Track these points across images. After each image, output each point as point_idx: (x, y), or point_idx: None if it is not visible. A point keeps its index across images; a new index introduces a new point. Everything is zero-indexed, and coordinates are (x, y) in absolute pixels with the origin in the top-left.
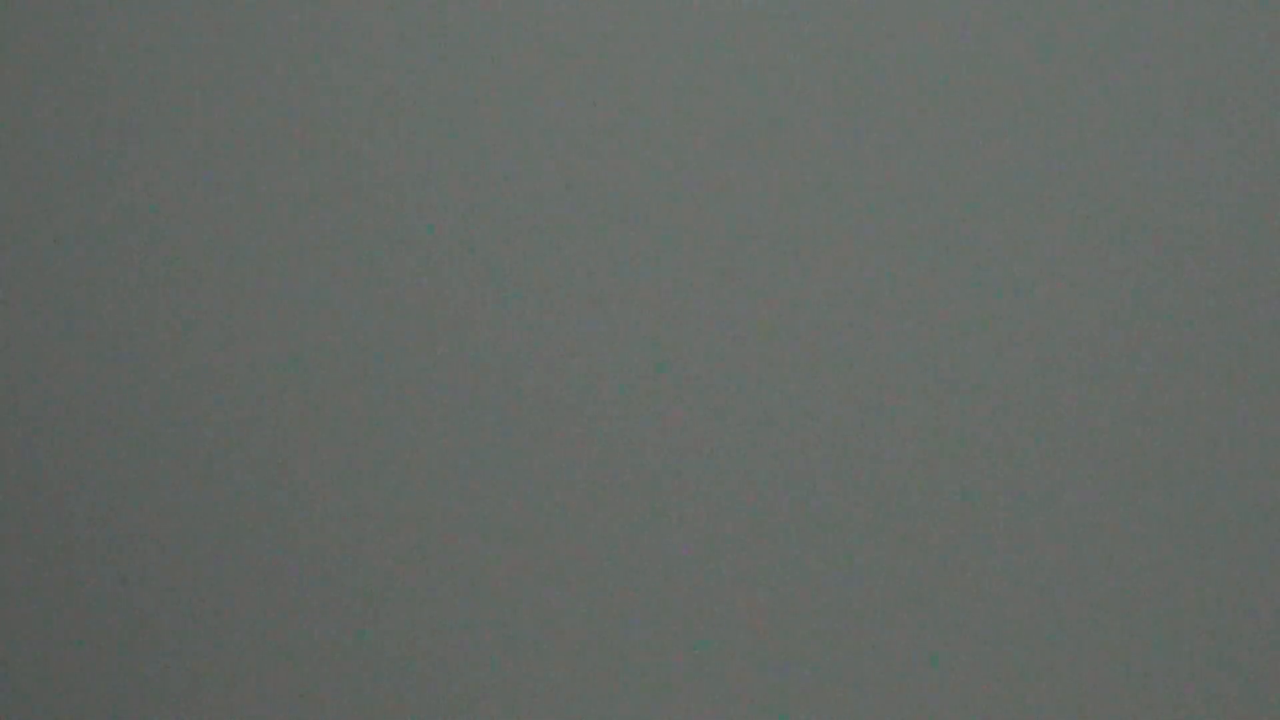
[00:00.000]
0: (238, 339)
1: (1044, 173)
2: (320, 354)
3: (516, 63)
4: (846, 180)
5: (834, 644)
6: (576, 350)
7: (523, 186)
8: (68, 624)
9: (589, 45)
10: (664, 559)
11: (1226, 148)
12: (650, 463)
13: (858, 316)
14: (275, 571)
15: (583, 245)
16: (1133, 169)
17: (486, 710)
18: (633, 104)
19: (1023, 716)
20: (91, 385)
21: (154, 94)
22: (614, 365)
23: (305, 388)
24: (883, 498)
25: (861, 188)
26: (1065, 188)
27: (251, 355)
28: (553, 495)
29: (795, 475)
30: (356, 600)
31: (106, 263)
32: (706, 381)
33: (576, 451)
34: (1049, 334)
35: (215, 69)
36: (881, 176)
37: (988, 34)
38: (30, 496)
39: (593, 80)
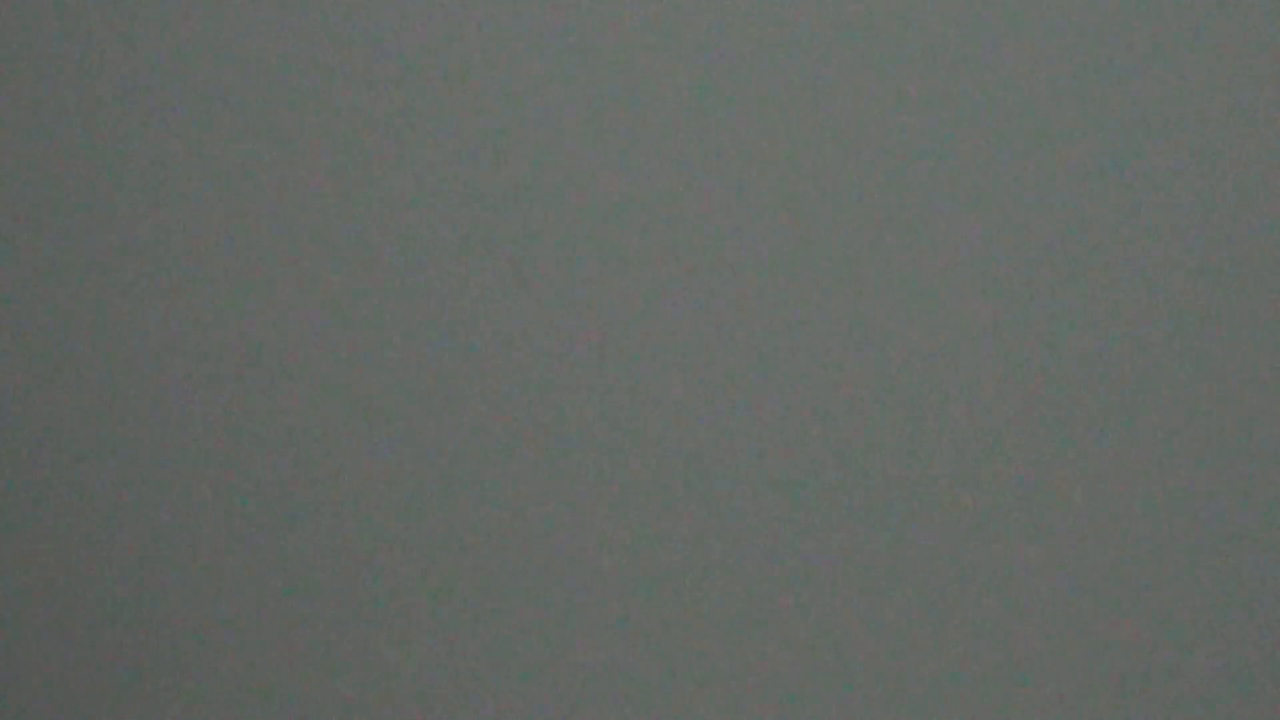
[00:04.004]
0: (237, 339)
1: (1042, 173)
2: (319, 354)
3: (517, 63)
4: (845, 181)
5: (832, 644)
6: (576, 350)
7: (522, 186)
8: (67, 624)
9: (589, 46)
10: (662, 559)
11: (1227, 148)
12: (648, 463)
13: (855, 316)
14: (274, 572)
15: (582, 245)
16: (1132, 169)
17: (486, 710)
18: (628, 105)
19: (1021, 716)
20: (91, 385)
21: (154, 94)
22: (612, 365)
23: (304, 388)
24: (881, 497)
25: (860, 187)
26: (1063, 189)
27: (250, 356)
28: (552, 496)
29: (793, 475)
30: (355, 600)
31: (106, 263)
32: (705, 381)
33: (575, 452)
34: (1045, 334)
35: (216, 69)
36: (880, 177)
37: (986, 35)
38: (30, 497)
39: (590, 81)
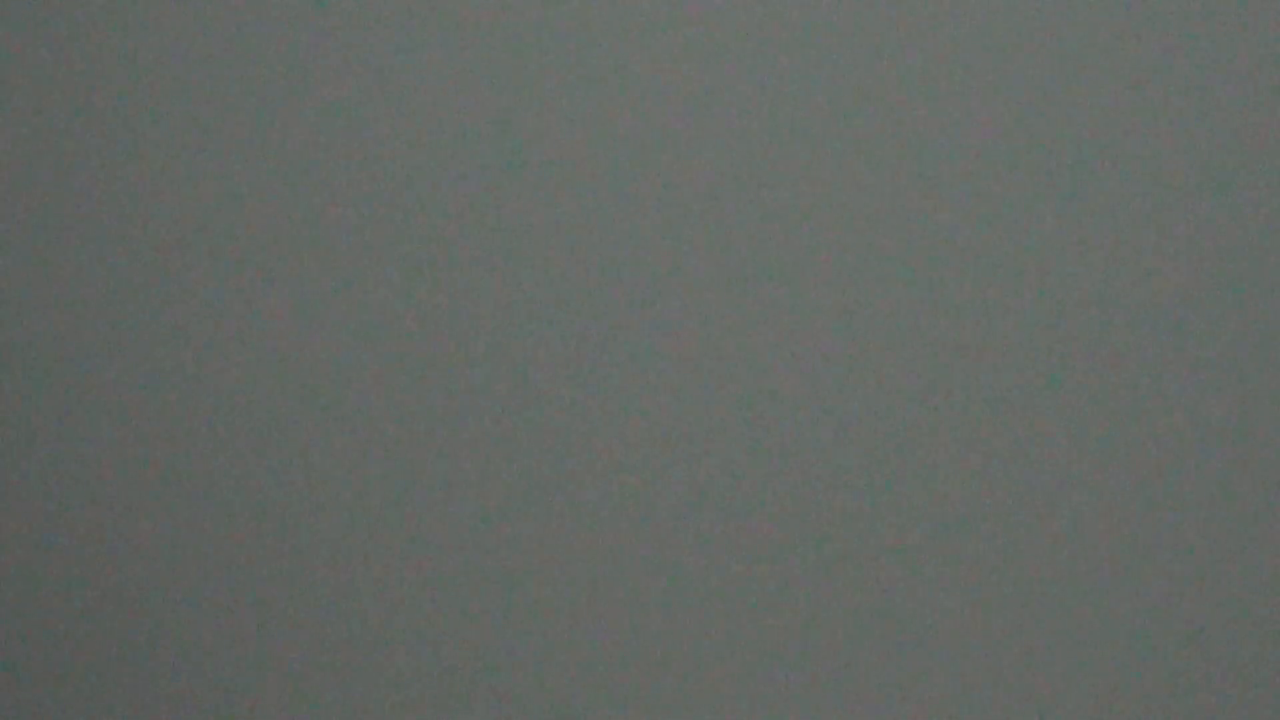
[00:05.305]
0: (236, 340)
1: (1042, 174)
2: (318, 355)
3: (516, 63)
4: (845, 182)
5: (829, 646)
6: (575, 351)
7: (522, 187)
8: (68, 624)
9: (589, 46)
10: (661, 560)
11: (1226, 149)
12: (646, 464)
13: (854, 318)
14: (274, 572)
15: (582, 246)
16: (1132, 170)
17: (484, 710)
18: (629, 106)
19: (1017, 716)
20: (91, 386)
21: (156, 95)
22: (611, 366)
23: (304, 388)
24: (880, 499)
25: (860, 188)
26: (1064, 190)
27: (249, 357)
28: (552, 497)
29: (792, 476)
30: (354, 600)
31: (107, 263)
32: (704, 382)
33: (574, 452)
34: (1045, 335)
35: (216, 69)
36: (880, 177)
37: (987, 36)
38: (30, 496)
39: (591, 82)
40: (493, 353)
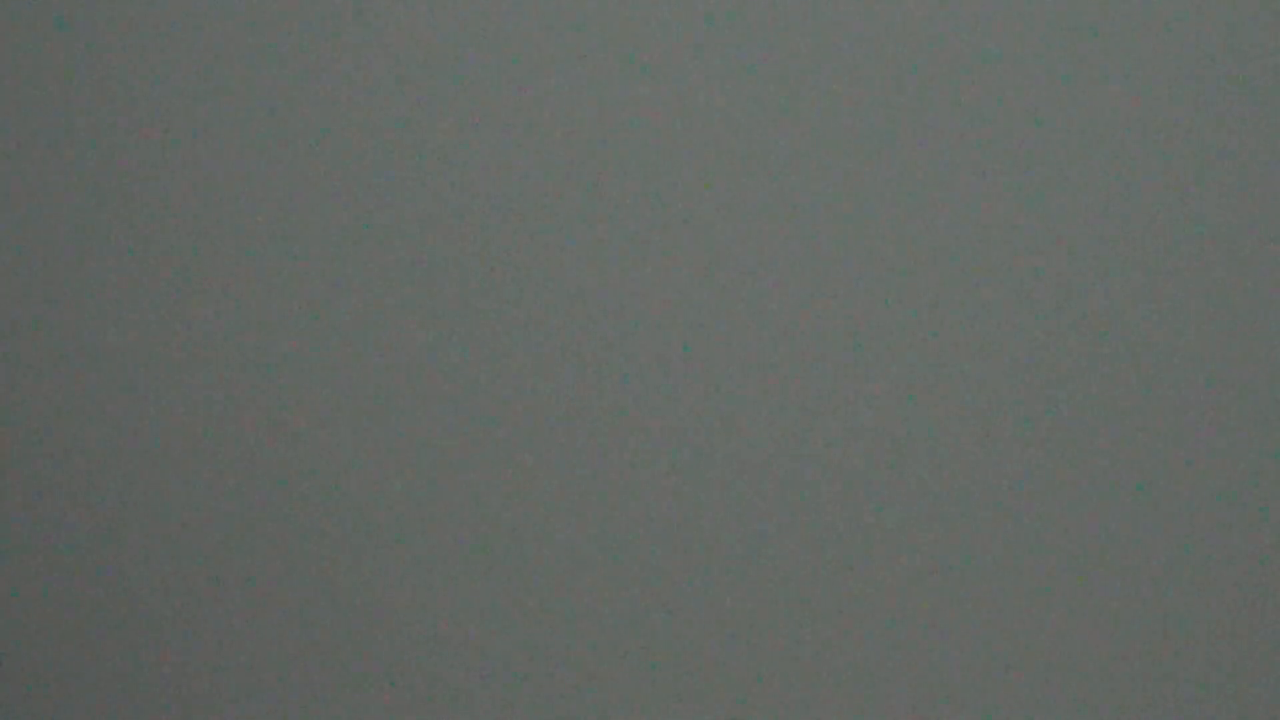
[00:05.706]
0: (236, 340)
1: (1041, 174)
2: (318, 355)
3: (516, 62)
4: (845, 181)
5: (828, 645)
6: (574, 351)
7: (521, 186)
8: (68, 624)
9: (588, 46)
10: (660, 559)
11: (1227, 149)
12: (644, 463)
13: (854, 317)
14: (274, 571)
15: (580, 246)
16: (1131, 170)
17: (482, 710)
18: (630, 105)
19: (1017, 716)
20: (92, 386)
21: (157, 95)
22: (610, 365)
23: (305, 387)
24: (879, 499)
25: (859, 188)
26: (1063, 189)
27: (250, 356)
28: (551, 497)
29: (790, 476)
30: (354, 600)
31: (107, 263)
32: (702, 382)
33: (573, 451)
34: (1045, 335)
35: (216, 69)
36: (879, 177)
37: (987, 36)
38: (31, 497)
39: (590, 82)
40: (494, 352)
